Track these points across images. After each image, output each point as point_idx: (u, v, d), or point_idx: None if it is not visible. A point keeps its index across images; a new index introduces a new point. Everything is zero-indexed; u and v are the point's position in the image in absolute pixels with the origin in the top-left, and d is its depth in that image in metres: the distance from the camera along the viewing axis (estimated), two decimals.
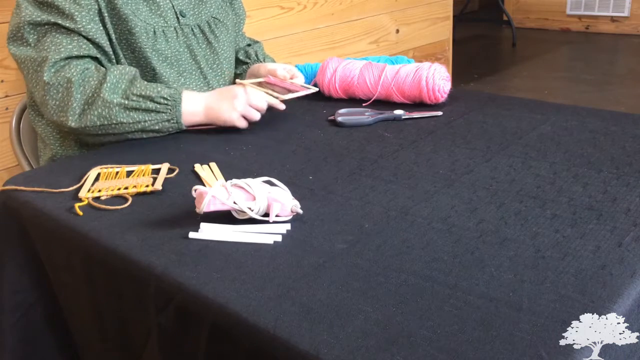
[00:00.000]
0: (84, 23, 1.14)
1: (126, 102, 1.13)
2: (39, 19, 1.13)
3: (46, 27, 1.14)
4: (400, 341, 0.59)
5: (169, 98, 1.16)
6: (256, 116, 1.20)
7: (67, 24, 1.13)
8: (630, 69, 4.26)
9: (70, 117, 1.12)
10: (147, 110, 1.15)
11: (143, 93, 1.14)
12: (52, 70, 1.12)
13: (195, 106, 1.19)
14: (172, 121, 1.17)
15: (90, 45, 1.16)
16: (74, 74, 1.12)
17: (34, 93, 1.16)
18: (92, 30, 1.15)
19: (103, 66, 1.18)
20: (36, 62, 1.13)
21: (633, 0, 5.09)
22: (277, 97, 1.23)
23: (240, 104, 1.18)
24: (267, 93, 1.24)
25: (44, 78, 1.12)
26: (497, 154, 1.03)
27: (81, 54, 1.15)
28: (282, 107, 1.24)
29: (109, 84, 1.12)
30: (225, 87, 1.24)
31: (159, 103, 1.15)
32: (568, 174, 0.94)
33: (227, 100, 1.18)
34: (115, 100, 1.12)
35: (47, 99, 1.13)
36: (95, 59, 1.17)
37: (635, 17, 5.13)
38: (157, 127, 1.17)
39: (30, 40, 1.14)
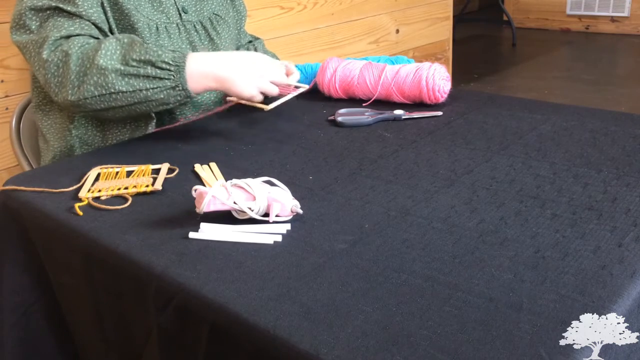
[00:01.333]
0: (85, 7, 1.12)
1: (123, 68, 1.06)
2: (40, 3, 1.11)
3: (48, 12, 1.12)
4: (400, 341, 0.59)
5: (171, 62, 1.07)
6: (275, 91, 1.14)
7: (69, 8, 1.11)
8: (630, 69, 4.26)
9: (70, 91, 1.08)
10: (148, 77, 1.07)
11: (143, 57, 1.06)
12: (52, 47, 1.09)
13: (205, 70, 1.09)
14: (177, 88, 1.08)
15: (93, 27, 1.14)
16: (71, 46, 1.08)
17: (38, 76, 1.13)
18: (94, 14, 1.14)
19: None
20: (37, 43, 1.11)
21: (633, 0, 5.09)
22: (261, 108, 1.20)
23: (263, 83, 1.11)
24: (251, 104, 1.23)
25: (43, 56, 1.09)
26: (497, 154, 1.03)
27: (83, 32, 1.12)
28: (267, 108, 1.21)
29: (104, 50, 1.07)
30: (242, 55, 1.14)
31: (160, 68, 1.07)
32: (568, 174, 0.94)
33: (250, 77, 1.10)
34: (110, 67, 1.05)
35: (48, 77, 1.10)
36: (97, 39, 1.14)
37: (635, 17, 5.13)
38: (161, 96, 1.09)
39: (33, 26, 1.13)
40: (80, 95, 1.08)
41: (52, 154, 1.24)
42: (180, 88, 1.08)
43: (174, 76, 1.07)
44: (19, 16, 1.13)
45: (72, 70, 1.07)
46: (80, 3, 1.12)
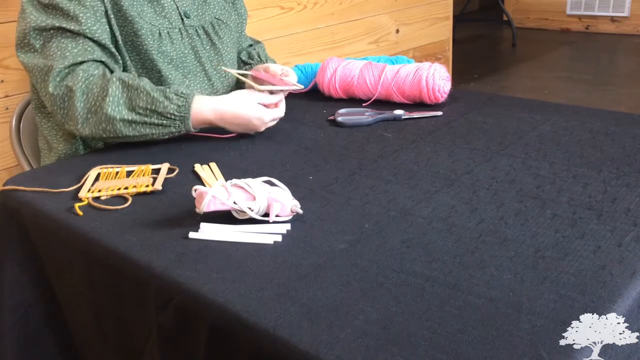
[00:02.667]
0: (89, 24, 1.13)
1: (131, 117, 1.11)
2: (43, 23, 1.12)
3: (51, 31, 1.13)
4: (400, 341, 0.59)
5: (176, 114, 1.13)
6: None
7: (72, 27, 1.12)
8: (630, 69, 4.26)
9: (78, 125, 1.12)
10: (154, 124, 1.13)
11: (149, 107, 1.12)
12: (57, 79, 1.12)
13: (205, 120, 1.16)
14: (181, 132, 1.16)
15: (96, 47, 1.15)
16: (75, 82, 1.11)
17: (45, 102, 1.17)
18: (97, 31, 1.14)
19: (110, 69, 1.17)
20: (43, 71, 1.13)
21: (633, 0, 5.09)
22: (252, 86, 1.21)
23: (257, 131, 1.19)
24: (246, 80, 1.23)
25: (49, 89, 1.12)
26: (497, 154, 1.03)
27: (86, 58, 1.13)
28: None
29: (110, 98, 1.11)
30: (240, 110, 1.17)
31: (167, 118, 1.13)
32: (568, 174, 0.94)
33: (244, 128, 1.18)
34: (118, 117, 1.11)
35: (55, 109, 1.14)
36: (101, 62, 1.16)
37: (635, 17, 5.12)
38: (165, 137, 1.16)
39: (37, 45, 1.13)
40: (88, 132, 1.13)
41: (56, 156, 1.24)
42: (184, 131, 1.16)
43: (179, 124, 1.14)
44: (23, 35, 1.14)
45: (77, 107, 1.11)
46: (83, 21, 1.12)
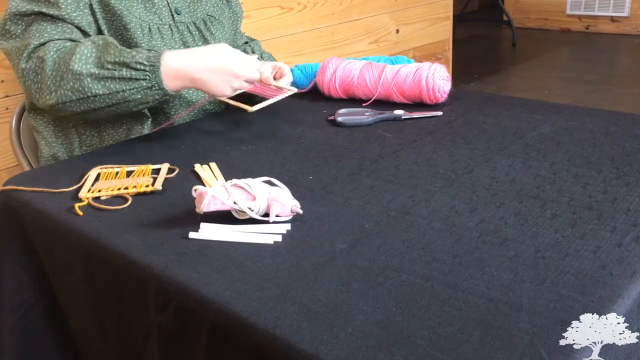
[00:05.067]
0: (68, 10, 1.12)
1: (98, 71, 1.06)
2: (24, 9, 1.12)
3: (32, 17, 1.13)
4: (400, 341, 0.59)
5: (146, 62, 1.06)
6: (248, 88, 1.15)
7: (52, 12, 1.12)
8: (630, 69, 4.26)
9: (47, 95, 1.08)
10: (123, 79, 1.06)
11: (117, 59, 1.06)
12: (32, 54, 1.10)
13: (179, 69, 1.08)
14: (154, 88, 1.07)
15: (75, 30, 1.14)
16: (47, 52, 1.08)
17: (20, 84, 1.14)
18: (77, 17, 1.13)
19: None
20: (20, 50, 1.11)
21: (633, 0, 5.09)
22: (245, 109, 1.19)
23: (236, 82, 1.11)
24: (235, 104, 1.22)
25: (21, 65, 1.09)
26: (497, 154, 1.03)
27: (63, 37, 1.12)
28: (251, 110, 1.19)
29: (78, 55, 1.06)
30: (217, 53, 1.11)
31: (135, 69, 1.06)
32: (568, 174, 0.94)
33: (223, 76, 1.09)
34: (85, 72, 1.05)
35: (28, 84, 1.10)
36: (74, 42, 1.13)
37: (635, 17, 5.12)
38: (138, 96, 1.08)
39: (18, 31, 1.13)
40: (59, 99, 1.08)
41: (51, 152, 1.24)
42: (157, 87, 1.08)
43: (149, 76, 1.07)
44: (4, 22, 1.14)
45: (48, 75, 1.08)
46: (63, 7, 1.12)
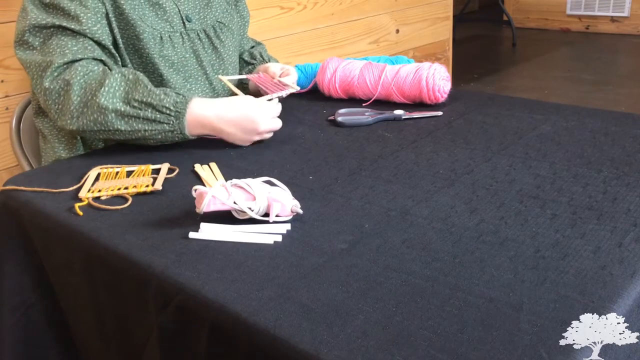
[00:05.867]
0: (89, 24, 1.12)
1: (124, 109, 1.08)
2: (44, 21, 1.11)
3: (52, 29, 1.12)
4: (400, 341, 0.59)
5: (172, 108, 1.08)
6: (270, 136, 1.16)
7: (73, 26, 1.11)
8: (630, 69, 4.26)
9: (69, 120, 1.09)
10: (147, 120, 1.09)
11: (145, 100, 1.08)
12: (55, 74, 1.10)
13: (203, 120, 1.10)
14: (175, 132, 1.10)
15: (96, 46, 1.14)
16: (74, 76, 1.09)
17: (39, 99, 1.14)
18: (98, 32, 1.13)
19: (109, 68, 1.15)
20: (41, 67, 1.11)
21: (633, 0, 5.09)
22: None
23: (257, 137, 1.13)
24: (236, 90, 1.22)
25: (45, 84, 1.09)
26: (497, 154, 1.03)
27: (86, 56, 1.12)
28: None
29: (106, 88, 1.08)
30: (242, 107, 1.12)
31: (161, 112, 1.08)
32: (568, 174, 0.94)
33: (245, 132, 1.12)
34: (110, 107, 1.07)
35: (49, 104, 1.11)
36: (101, 61, 1.14)
37: (635, 17, 5.13)
38: (159, 137, 1.11)
39: (36, 43, 1.12)
40: (79, 126, 1.10)
41: (55, 156, 1.24)
42: (179, 132, 1.10)
43: (173, 121, 1.09)
44: (22, 33, 1.13)
45: (72, 101, 1.08)
46: (84, 21, 1.11)
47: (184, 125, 1.10)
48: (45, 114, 1.23)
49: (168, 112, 1.09)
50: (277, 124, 1.16)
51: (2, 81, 1.58)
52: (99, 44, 1.15)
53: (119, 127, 1.09)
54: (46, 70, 1.10)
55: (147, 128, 1.09)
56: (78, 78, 1.09)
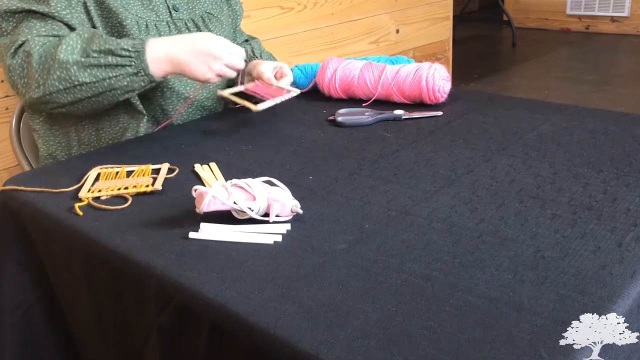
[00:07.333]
0: (58, 8, 1.12)
1: (84, 59, 1.07)
2: (14, 7, 1.12)
3: (22, 14, 1.13)
4: (400, 341, 0.59)
5: (131, 49, 1.07)
6: (232, 74, 1.15)
7: (41, 9, 1.12)
8: (630, 69, 4.26)
9: (35, 89, 1.08)
10: (109, 66, 1.07)
11: (103, 47, 1.07)
12: (18, 49, 1.10)
13: (161, 54, 1.10)
14: (139, 74, 1.09)
15: (64, 28, 1.14)
16: (32, 46, 1.09)
17: (7, 81, 1.14)
18: (67, 15, 1.13)
19: None
20: (7, 47, 1.12)
21: (633, 0, 5.09)
22: (250, 108, 1.19)
23: (217, 65, 1.12)
24: (241, 102, 1.21)
25: (7, 61, 1.10)
26: (497, 154, 1.03)
27: (51, 34, 1.12)
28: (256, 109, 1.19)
29: (64, 46, 1.07)
30: (199, 37, 1.13)
31: (121, 56, 1.07)
32: (568, 174, 0.94)
33: (203, 59, 1.11)
34: (71, 60, 1.06)
35: (15, 79, 1.10)
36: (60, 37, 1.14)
37: (635, 17, 5.12)
38: (124, 83, 1.09)
39: (9, 29, 1.14)
40: (45, 90, 1.08)
41: (48, 150, 1.24)
42: (143, 73, 1.09)
43: (135, 62, 1.08)
44: None
45: (35, 68, 1.08)
46: (53, 4, 1.12)
47: (146, 64, 1.08)
48: (37, 111, 1.23)
49: (127, 53, 1.08)
50: (239, 62, 1.15)
51: (2, 81, 1.58)
52: (68, 26, 1.15)
53: (83, 79, 1.07)
54: (10, 49, 1.11)
55: (110, 75, 1.08)
56: (37, 48, 1.09)
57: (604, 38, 5.14)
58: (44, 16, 1.13)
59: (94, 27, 1.17)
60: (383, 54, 2.71)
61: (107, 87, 1.09)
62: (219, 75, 1.15)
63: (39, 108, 1.17)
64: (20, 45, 1.11)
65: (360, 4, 2.70)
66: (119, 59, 1.08)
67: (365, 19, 2.75)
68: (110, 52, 1.08)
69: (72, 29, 1.15)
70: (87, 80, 1.08)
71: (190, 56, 1.11)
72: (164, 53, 1.10)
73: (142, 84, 1.11)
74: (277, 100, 1.21)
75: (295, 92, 1.25)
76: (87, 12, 1.16)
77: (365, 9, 2.73)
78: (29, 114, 1.25)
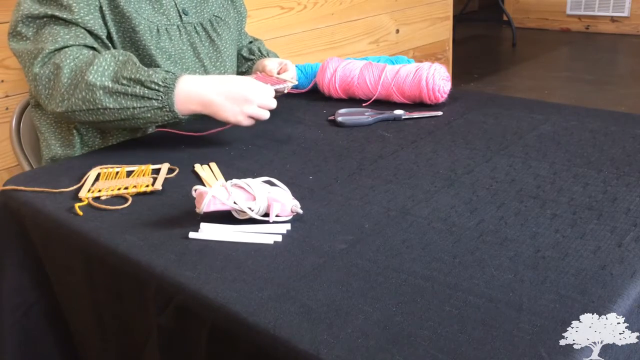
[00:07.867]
0: (82, 14, 1.12)
1: (112, 85, 1.06)
2: (36, 12, 1.11)
3: (44, 19, 1.12)
4: (400, 341, 0.59)
5: (160, 83, 1.07)
6: (265, 116, 1.12)
7: (65, 15, 1.11)
8: (630, 69, 4.26)
9: (59, 102, 1.08)
10: (136, 96, 1.06)
11: (133, 77, 1.06)
12: (45, 59, 1.09)
13: (191, 93, 1.08)
14: (164, 109, 1.08)
15: (88, 35, 1.13)
16: (64, 59, 1.08)
17: (30, 86, 1.14)
18: (90, 21, 1.13)
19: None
20: (32, 54, 1.10)
21: (633, 0, 5.09)
22: None
23: (250, 108, 1.10)
24: None
25: (34, 70, 1.09)
26: (497, 154, 1.03)
27: (77, 43, 1.11)
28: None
29: (95, 67, 1.06)
30: (232, 80, 1.12)
31: (149, 88, 1.06)
32: (568, 174, 0.94)
33: (236, 102, 1.09)
34: (99, 84, 1.05)
35: (39, 89, 1.10)
36: (93, 49, 1.14)
37: (635, 17, 5.13)
38: (148, 115, 1.08)
39: (30, 34, 1.13)
40: (69, 107, 1.08)
41: (52, 153, 1.24)
42: (168, 109, 1.08)
43: (161, 97, 1.07)
44: (15, 24, 1.13)
45: (62, 83, 1.07)
46: (76, 10, 1.12)
47: (172, 101, 1.07)
48: (43, 109, 1.23)
49: (157, 87, 1.07)
50: (271, 102, 1.12)
51: (2, 81, 1.58)
52: (91, 33, 1.14)
53: (107, 104, 1.07)
54: (37, 57, 1.10)
55: (135, 105, 1.07)
56: (68, 61, 1.08)
57: (604, 38, 5.14)
58: (67, 22, 1.12)
59: (108, 32, 1.17)
60: (383, 54, 2.71)
61: (130, 116, 1.09)
62: (251, 117, 1.12)
63: (58, 117, 1.16)
64: (49, 55, 1.09)
65: (360, 4, 2.70)
66: (146, 90, 1.07)
67: (365, 19, 2.75)
68: (140, 82, 1.07)
69: (94, 35, 1.14)
70: (111, 107, 1.07)
71: (223, 98, 1.09)
72: (195, 92, 1.09)
73: (166, 118, 1.10)
74: (274, 87, 1.19)
75: (292, 82, 1.25)
76: (103, 17, 1.16)
77: (365, 9, 2.73)
78: (35, 113, 1.25)
